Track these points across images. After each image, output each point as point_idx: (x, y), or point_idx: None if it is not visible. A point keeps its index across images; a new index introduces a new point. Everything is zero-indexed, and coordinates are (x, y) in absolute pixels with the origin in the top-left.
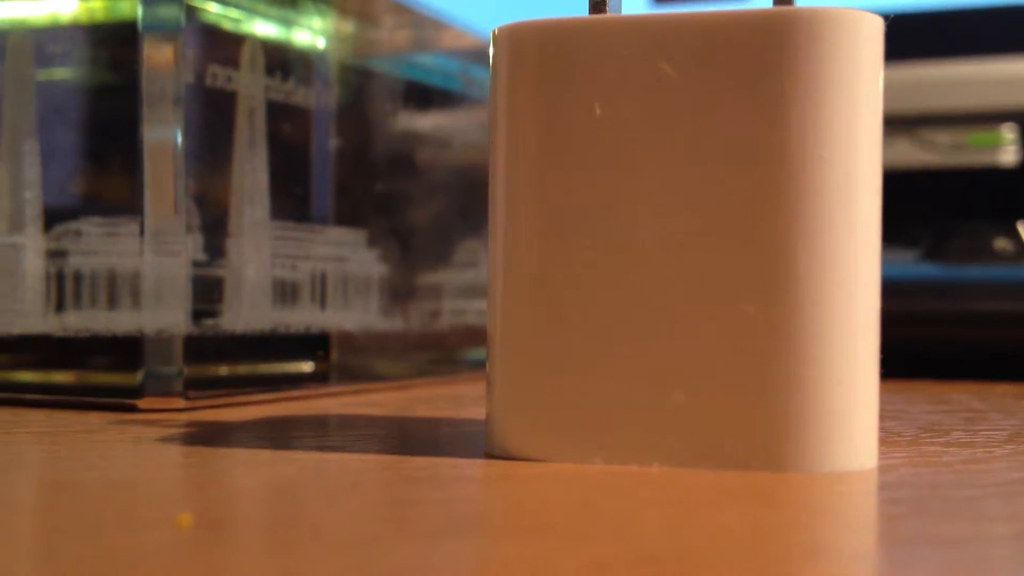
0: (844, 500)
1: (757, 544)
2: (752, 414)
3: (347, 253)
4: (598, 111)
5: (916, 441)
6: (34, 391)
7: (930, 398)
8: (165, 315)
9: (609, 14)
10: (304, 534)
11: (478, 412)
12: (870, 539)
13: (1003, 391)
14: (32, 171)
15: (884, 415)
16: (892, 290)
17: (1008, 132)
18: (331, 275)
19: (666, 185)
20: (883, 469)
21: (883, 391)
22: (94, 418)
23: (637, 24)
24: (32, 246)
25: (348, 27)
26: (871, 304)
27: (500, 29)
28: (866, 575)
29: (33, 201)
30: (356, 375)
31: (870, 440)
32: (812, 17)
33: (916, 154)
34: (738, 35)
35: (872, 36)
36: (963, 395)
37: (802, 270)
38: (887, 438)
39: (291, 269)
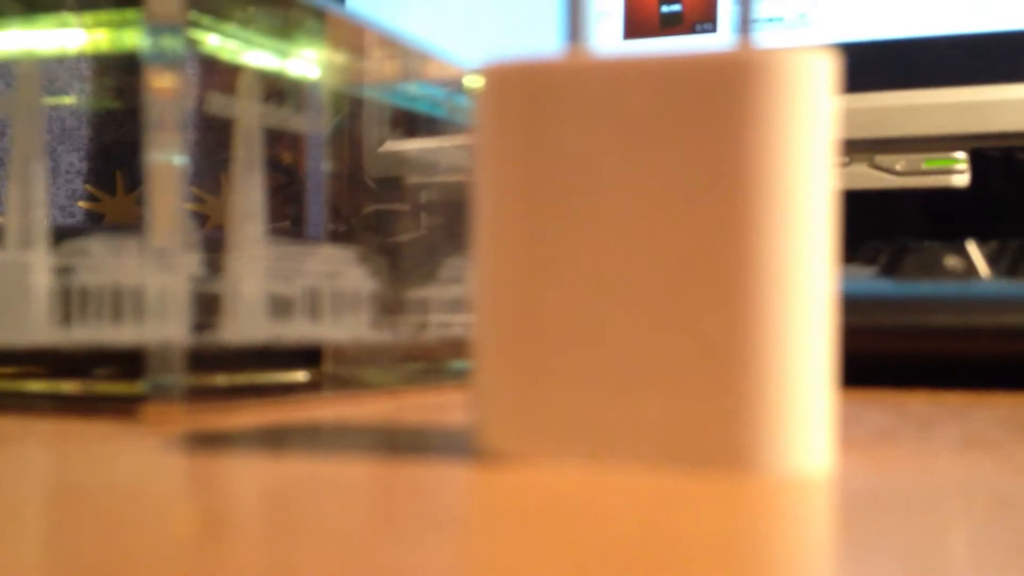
0: (800, 503)
1: (710, 548)
2: (716, 417)
3: (339, 269)
4: (573, 142)
5: (873, 445)
6: (42, 400)
7: (887, 405)
8: (167, 328)
9: (584, 53)
10: (300, 536)
11: (462, 418)
12: (826, 543)
13: (956, 399)
14: (40, 191)
15: (843, 421)
16: (852, 305)
17: (960, 157)
18: (324, 290)
19: (637, 211)
20: (840, 473)
21: (842, 399)
22: (99, 426)
23: (609, 63)
24: (40, 262)
25: (340, 58)
26: (826, 315)
27: (483, 65)
28: None
29: (41, 219)
30: (347, 384)
31: (827, 444)
32: (769, 60)
33: (875, 177)
34: (702, 76)
35: (825, 75)
36: (918, 403)
37: (762, 287)
38: (845, 442)
39: (285, 284)
